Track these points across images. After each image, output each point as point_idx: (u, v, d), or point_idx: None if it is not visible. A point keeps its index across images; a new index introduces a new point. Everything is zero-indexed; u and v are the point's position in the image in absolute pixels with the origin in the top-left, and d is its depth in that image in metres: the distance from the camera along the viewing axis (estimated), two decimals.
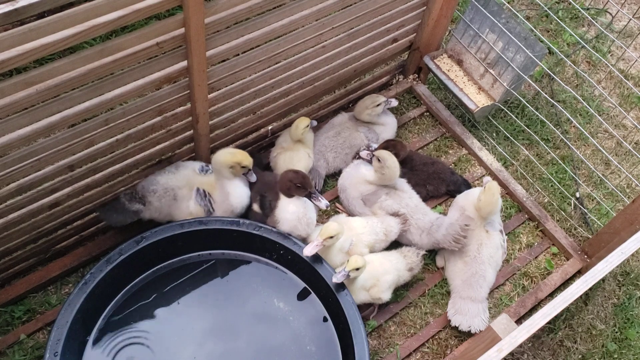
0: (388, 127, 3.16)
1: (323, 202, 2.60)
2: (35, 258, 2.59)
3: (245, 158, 2.56)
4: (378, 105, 3.05)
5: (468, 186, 3.08)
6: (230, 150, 2.59)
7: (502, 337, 1.41)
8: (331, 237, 2.47)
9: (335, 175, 3.10)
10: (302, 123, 2.89)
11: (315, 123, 3.02)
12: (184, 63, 2.20)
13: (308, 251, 2.44)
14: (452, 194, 3.07)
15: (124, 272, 2.41)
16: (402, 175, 2.95)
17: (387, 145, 2.99)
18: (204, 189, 2.59)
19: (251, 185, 2.72)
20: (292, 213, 2.59)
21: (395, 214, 2.78)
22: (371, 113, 3.06)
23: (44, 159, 2.14)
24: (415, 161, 3.08)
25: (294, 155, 2.92)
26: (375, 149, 2.94)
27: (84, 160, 2.30)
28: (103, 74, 1.99)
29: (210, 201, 2.59)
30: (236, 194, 2.61)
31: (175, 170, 2.61)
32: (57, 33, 1.74)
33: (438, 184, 3.06)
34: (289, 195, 2.61)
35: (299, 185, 2.57)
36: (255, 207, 2.70)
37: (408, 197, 2.84)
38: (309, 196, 2.61)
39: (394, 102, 3.14)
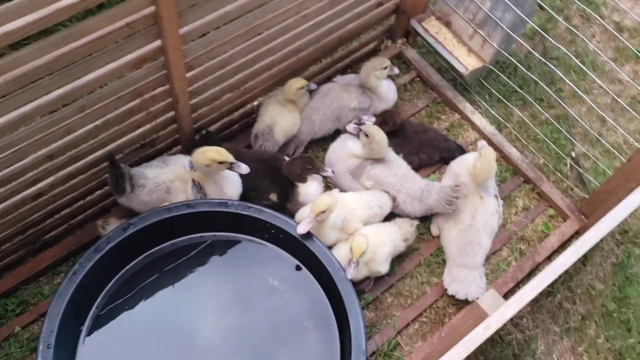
0: (384, 100, 3.06)
1: (329, 171, 2.73)
2: (25, 250, 2.57)
3: (217, 155, 2.42)
4: (385, 67, 2.96)
5: (462, 152, 3.02)
6: (201, 149, 2.45)
7: (489, 313, 1.38)
8: (323, 212, 2.43)
9: (322, 146, 3.04)
10: (296, 83, 2.84)
11: (314, 86, 2.95)
12: (158, 42, 2.12)
13: (301, 229, 2.40)
14: (446, 160, 3.02)
15: (114, 260, 2.37)
16: (395, 145, 2.90)
17: (385, 116, 2.93)
18: (198, 181, 2.55)
19: (258, 172, 2.68)
20: (317, 193, 2.70)
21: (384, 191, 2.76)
22: (379, 75, 2.96)
23: (22, 150, 2.08)
24: (407, 130, 3.01)
25: (281, 113, 2.88)
26: (373, 123, 2.89)
27: (64, 149, 2.25)
28: (73, 60, 1.92)
29: (205, 193, 2.55)
30: (229, 186, 2.57)
31: (163, 165, 2.55)
32: (18, 20, 1.66)
33: (431, 152, 3.00)
34: (304, 180, 2.69)
35: (309, 167, 2.68)
36: (273, 196, 2.71)
37: (396, 166, 2.79)
38: (318, 171, 2.71)
39: (396, 70, 3.05)
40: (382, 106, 3.07)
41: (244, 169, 2.48)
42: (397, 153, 2.88)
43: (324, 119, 2.95)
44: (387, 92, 3.07)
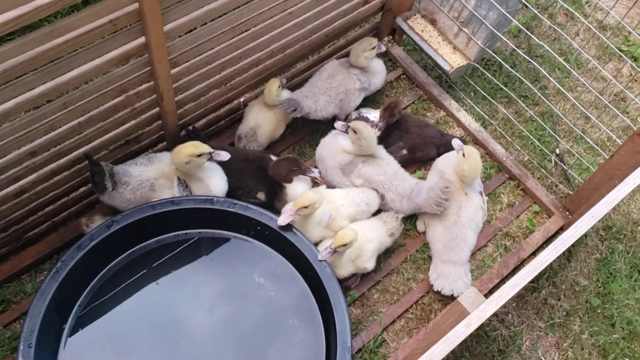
0: (377, 74, 3.09)
1: (315, 172, 2.73)
2: (7, 247, 2.54)
3: (194, 149, 2.40)
4: (373, 48, 2.98)
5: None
6: (177, 148, 2.43)
7: (470, 311, 1.39)
8: (305, 207, 2.44)
9: (309, 143, 3.04)
10: (274, 85, 2.83)
11: (284, 81, 2.95)
12: (142, 39, 2.11)
13: (281, 221, 2.42)
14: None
15: (98, 258, 2.36)
16: (396, 138, 2.93)
17: (391, 107, 2.94)
18: (184, 179, 2.54)
19: (245, 171, 2.68)
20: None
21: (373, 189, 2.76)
22: (368, 56, 2.98)
23: (2, 147, 2.06)
24: (409, 122, 3.02)
25: (266, 116, 2.89)
26: (380, 115, 2.93)
27: (47, 146, 2.23)
28: (56, 56, 1.90)
29: (191, 191, 2.54)
30: (215, 183, 2.56)
31: (148, 162, 2.53)
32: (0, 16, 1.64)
33: (429, 149, 3.01)
34: (290, 181, 2.68)
35: (295, 169, 2.65)
36: (261, 195, 2.70)
37: (386, 164, 2.79)
38: (304, 173, 2.70)
39: (383, 47, 3.08)
40: (378, 80, 3.10)
41: (224, 155, 2.46)
42: (402, 149, 2.92)
43: (329, 100, 2.93)
44: (377, 66, 3.10)
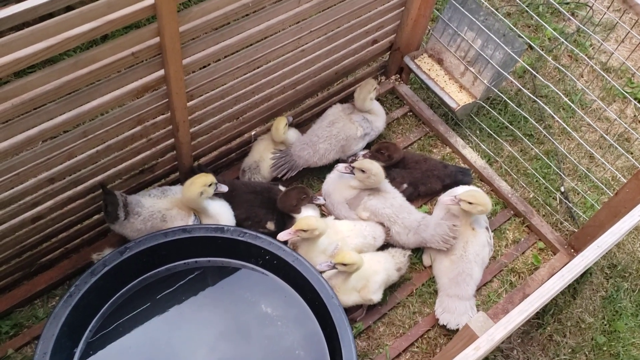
0: (380, 117, 3.15)
1: (321, 199, 2.82)
2: (21, 272, 2.58)
3: (205, 179, 2.53)
4: (375, 88, 3.06)
5: (465, 173, 3.07)
6: (188, 183, 2.53)
7: (479, 335, 1.41)
8: (304, 231, 2.50)
9: (317, 176, 3.10)
10: (281, 123, 2.91)
11: (291, 119, 3.02)
12: (161, 72, 2.20)
13: (281, 237, 2.53)
14: (450, 186, 3.02)
15: (110, 283, 2.40)
16: (397, 175, 2.97)
17: (380, 147, 2.99)
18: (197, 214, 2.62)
19: (253, 202, 2.76)
20: None
21: (379, 223, 2.81)
22: (372, 97, 3.05)
23: (23, 173, 2.13)
24: (408, 159, 3.08)
25: (270, 150, 2.96)
26: (369, 151, 2.98)
27: (64, 173, 2.30)
28: (79, 86, 1.99)
29: None
30: (224, 219, 2.64)
31: (161, 195, 2.62)
32: (30, 47, 1.73)
33: (433, 182, 3.05)
34: (298, 211, 2.73)
35: (304, 197, 2.73)
36: (270, 225, 2.76)
37: (392, 197, 2.84)
38: (312, 200, 2.77)
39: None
40: (380, 123, 3.15)
41: (224, 187, 2.63)
42: (401, 183, 2.95)
43: (329, 148, 2.98)
44: (379, 109, 3.16)
